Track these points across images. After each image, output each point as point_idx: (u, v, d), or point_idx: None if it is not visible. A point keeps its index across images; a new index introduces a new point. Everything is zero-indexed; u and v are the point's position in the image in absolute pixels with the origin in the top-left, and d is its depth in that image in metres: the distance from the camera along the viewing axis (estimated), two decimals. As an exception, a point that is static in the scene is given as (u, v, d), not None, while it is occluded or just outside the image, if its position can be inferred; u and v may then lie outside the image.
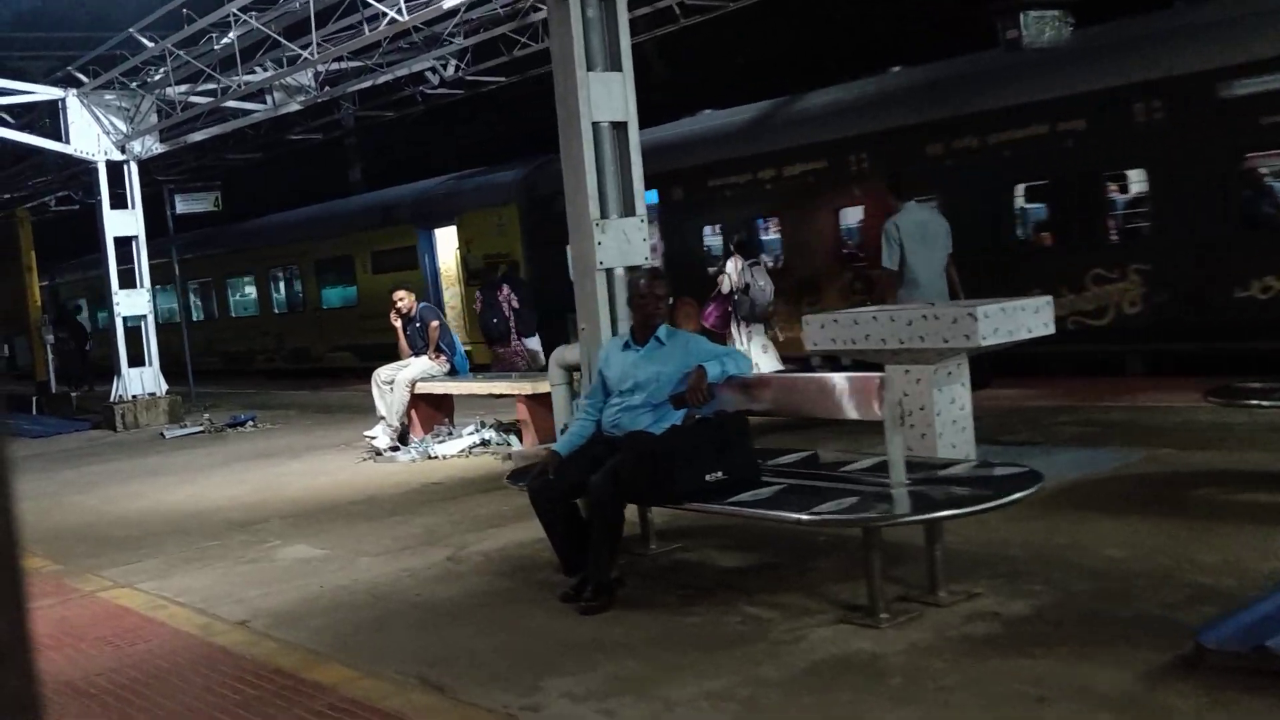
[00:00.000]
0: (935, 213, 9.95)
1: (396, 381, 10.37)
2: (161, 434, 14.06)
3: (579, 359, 8.51)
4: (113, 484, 10.53)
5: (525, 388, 9.35)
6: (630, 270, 8.00)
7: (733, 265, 12.22)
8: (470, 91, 19.05)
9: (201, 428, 14.06)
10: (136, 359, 15.44)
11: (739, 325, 12.36)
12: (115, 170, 15.30)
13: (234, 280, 24.93)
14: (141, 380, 15.37)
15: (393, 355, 10.91)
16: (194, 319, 24.41)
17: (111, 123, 15.14)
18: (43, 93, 14.76)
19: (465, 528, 6.97)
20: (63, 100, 14.85)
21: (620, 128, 8.29)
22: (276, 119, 20.51)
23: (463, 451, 9.71)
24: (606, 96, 8.16)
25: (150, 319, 15.50)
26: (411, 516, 7.51)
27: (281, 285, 23.22)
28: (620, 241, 8.19)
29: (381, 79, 15.98)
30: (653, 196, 13.11)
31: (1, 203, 27.39)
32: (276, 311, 23.06)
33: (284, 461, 10.78)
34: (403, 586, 5.77)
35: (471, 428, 10.28)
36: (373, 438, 10.49)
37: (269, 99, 15.89)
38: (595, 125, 8.13)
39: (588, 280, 8.15)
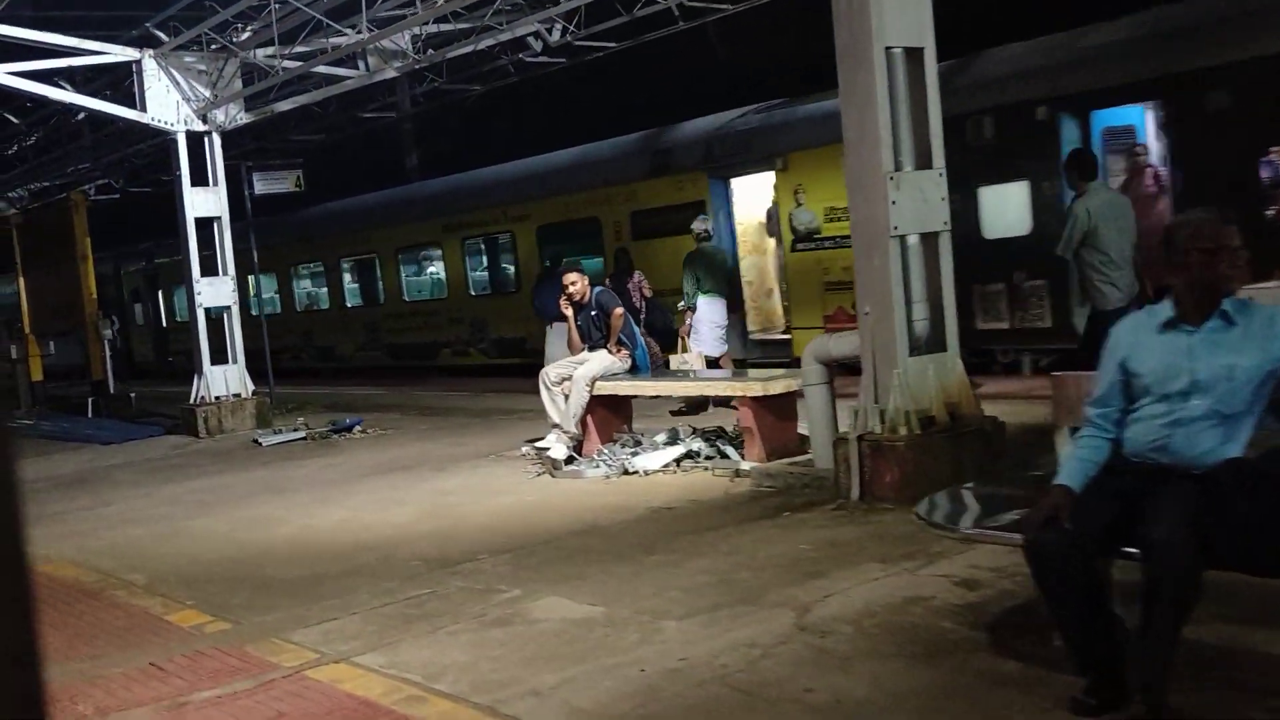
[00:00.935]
0: (1120, 194, 8.38)
1: (575, 379, 8.67)
2: (256, 441, 12.40)
3: (852, 351, 6.81)
4: (233, 504, 8.86)
5: (753, 388, 7.63)
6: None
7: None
8: (572, 60, 17.43)
9: (301, 434, 12.40)
10: (219, 356, 13.79)
11: None
12: (194, 143, 13.64)
13: (407, 255, 20.43)
14: (225, 380, 13.72)
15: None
16: (346, 305, 21.68)
17: (192, 88, 13.48)
18: (116, 53, 13.11)
19: (774, 576, 5.27)
20: (138, 62, 13.20)
21: (915, 56, 6.59)
22: (344, 96, 18.93)
23: (668, 466, 8.00)
24: (900, 16, 6.46)
25: (235, 310, 13.84)
26: (678, 556, 5.81)
27: (482, 259, 19.10)
28: (917, 201, 6.49)
29: (484, 43, 14.32)
30: (1133, 116, 10.46)
31: (51, 187, 26.06)
32: (474, 293, 18.88)
33: (430, 476, 9.10)
34: (769, 674, 4.06)
35: (664, 436, 8.57)
36: (544, 448, 8.81)
37: (362, 64, 14.25)
38: (887, 52, 6.44)
39: (875, 250, 6.46)
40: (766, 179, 13.55)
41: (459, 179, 19.96)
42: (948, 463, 6.32)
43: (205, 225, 13.68)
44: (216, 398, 13.61)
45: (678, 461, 8.00)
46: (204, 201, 13.57)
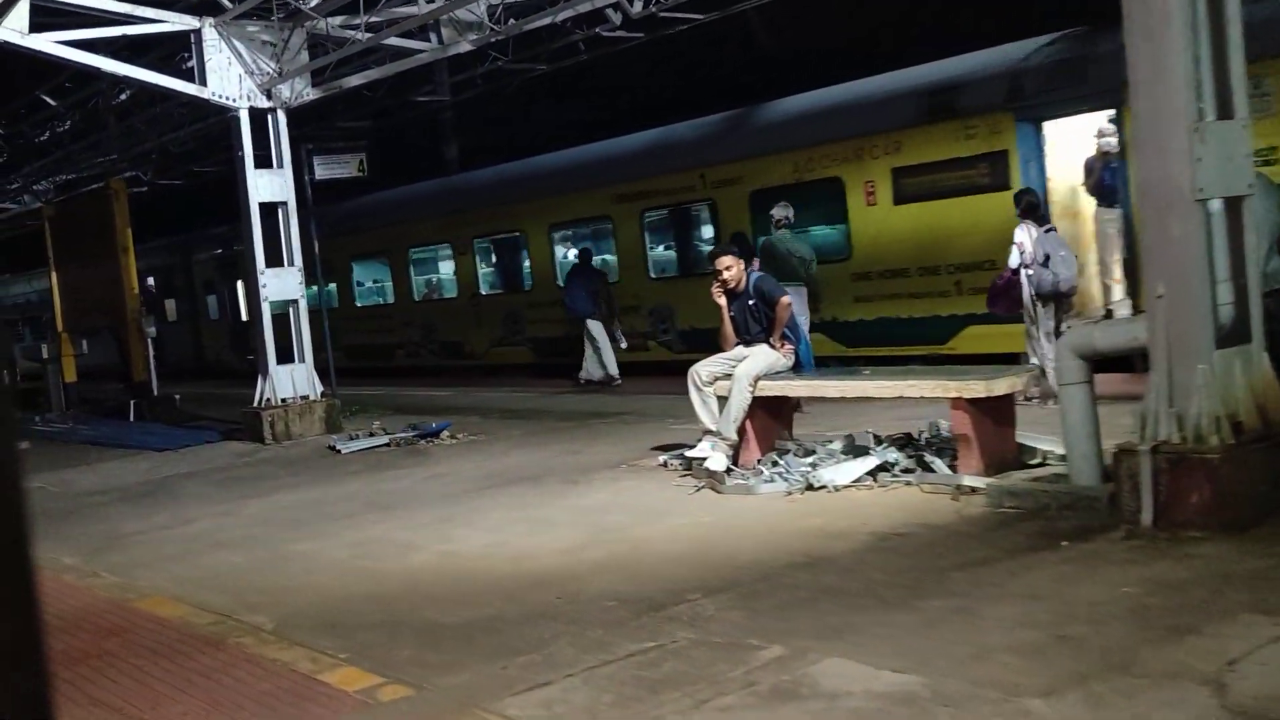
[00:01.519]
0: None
1: (736, 378, 7.52)
2: (333, 448, 11.27)
3: (1127, 342, 5.66)
4: (338, 523, 7.73)
5: (973, 388, 6.47)
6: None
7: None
8: (650, 35, 16.28)
9: (383, 439, 11.27)
10: (285, 354, 12.68)
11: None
12: (257, 121, 12.52)
13: (564, 233, 17.47)
14: (293, 380, 12.59)
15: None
16: (480, 292, 18.80)
17: (256, 60, 12.35)
18: (174, 22, 11.99)
19: (1123, 631, 4.11)
20: (198, 32, 12.07)
21: (1217, -18, 5.43)
22: (396, 77, 17.85)
23: (860, 480, 6.85)
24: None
25: (302, 304, 12.71)
26: (964, 600, 4.65)
27: (668, 234, 16.11)
28: (1222, 158, 5.33)
29: (562, 15, 13.19)
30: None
31: (77, 180, 24.98)
32: (654, 276, 15.96)
33: (564, 490, 7.96)
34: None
35: (838, 443, 7.42)
36: (698, 458, 7.67)
37: (434, 37, 13.13)
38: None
39: (1173, 217, 5.30)
40: (1094, 121, 10.84)
41: (637, 139, 16.57)
42: (1267, 480, 5.17)
43: (269, 211, 12.54)
44: (283, 400, 12.48)
45: (872, 474, 6.85)
46: (268, 185, 12.43)
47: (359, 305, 21.83)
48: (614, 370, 14.79)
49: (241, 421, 12.78)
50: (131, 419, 16.73)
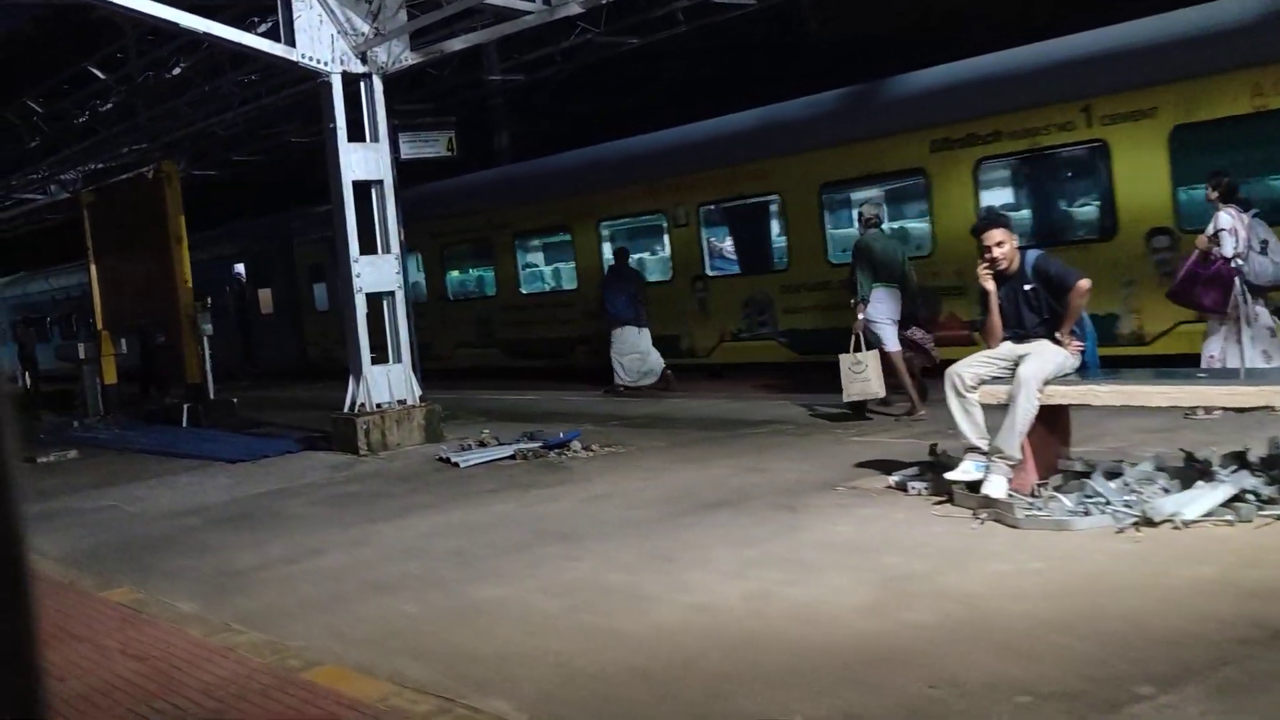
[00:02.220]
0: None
1: (1022, 380, 6.05)
2: (446, 460, 9.82)
3: None
4: (516, 558, 6.26)
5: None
6: None
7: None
8: (762, 4, 14.84)
9: (502, 451, 9.82)
10: (378, 353, 11.24)
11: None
12: (348, 88, 11.09)
13: (838, 195, 13.95)
14: (389, 383, 11.14)
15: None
16: (707, 274, 15.36)
17: (349, 20, 10.92)
18: (261, -27, 10.58)
19: None
20: (286, -14, 10.65)
21: None
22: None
23: (1212, 514, 5.38)
24: None
25: (400, 295, 11.26)
26: None
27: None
28: None
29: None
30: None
31: (109, 168, 23.55)
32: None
33: (793, 521, 6.47)
34: None
35: (1147, 464, 5.96)
36: (965, 481, 6.21)
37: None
38: None
39: None
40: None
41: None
42: None
43: (363, 191, 11.10)
44: (378, 405, 11.03)
45: (1233, 504, 5.38)
46: (362, 161, 10.99)
47: (525, 292, 18.28)
48: (627, 378, 14.32)
49: (330, 429, 11.32)
50: (184, 424, 15.30)
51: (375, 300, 11.19)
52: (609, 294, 14.53)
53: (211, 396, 15.39)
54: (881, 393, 9.97)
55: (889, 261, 10.41)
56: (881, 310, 10.29)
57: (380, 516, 7.91)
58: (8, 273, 38.72)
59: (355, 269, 10.90)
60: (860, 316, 10.20)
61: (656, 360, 14.23)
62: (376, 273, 11.05)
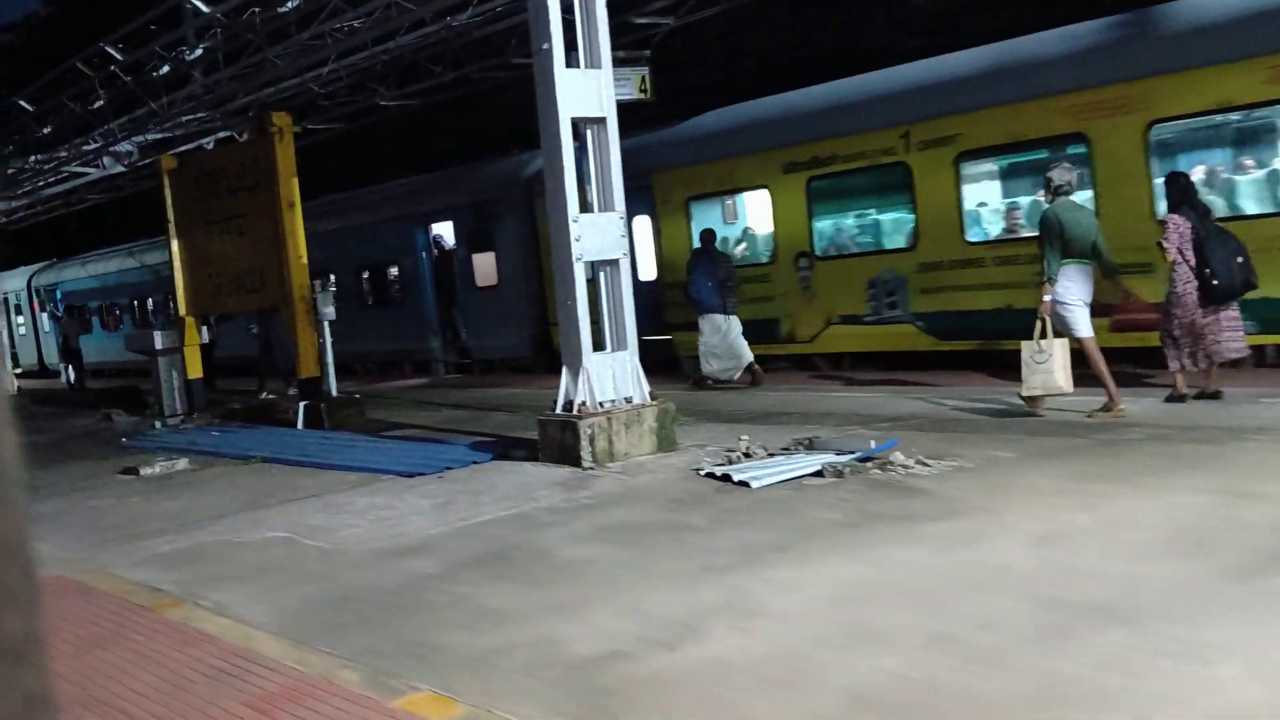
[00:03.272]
0: None
1: None
2: (723, 478, 7.52)
3: None
4: (1047, 656, 3.98)
5: None
6: None
7: None
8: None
9: (793, 466, 7.52)
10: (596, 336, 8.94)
11: None
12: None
13: None
14: (614, 376, 8.86)
15: None
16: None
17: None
18: None
19: None
20: None
21: None
22: None
23: None
24: None
25: (624, 265, 8.98)
26: None
27: None
28: None
29: None
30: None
31: (170, 139, 21.26)
32: None
33: None
34: None
35: None
36: None
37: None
38: None
39: None
40: None
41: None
42: None
43: (577, 131, 8.82)
44: (601, 404, 8.74)
45: None
46: (582, 92, 8.69)
47: (973, 241, 12.74)
48: (717, 370, 13.52)
49: (515, 434, 9.03)
50: (300, 425, 13.06)
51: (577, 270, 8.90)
52: (694, 279, 13.61)
53: (334, 392, 13.12)
54: (1067, 388, 8.89)
55: (1081, 234, 9.17)
56: (1072, 290, 9.11)
57: (721, 564, 5.62)
58: (43, 258, 36.23)
59: (573, 231, 8.61)
60: (1046, 298, 9.08)
61: (745, 352, 13.46)
62: (599, 236, 8.77)
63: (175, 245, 15.85)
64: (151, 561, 7.16)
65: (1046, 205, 9.42)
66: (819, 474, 7.35)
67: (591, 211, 8.84)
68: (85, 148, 22.51)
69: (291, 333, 13.26)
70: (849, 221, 14.22)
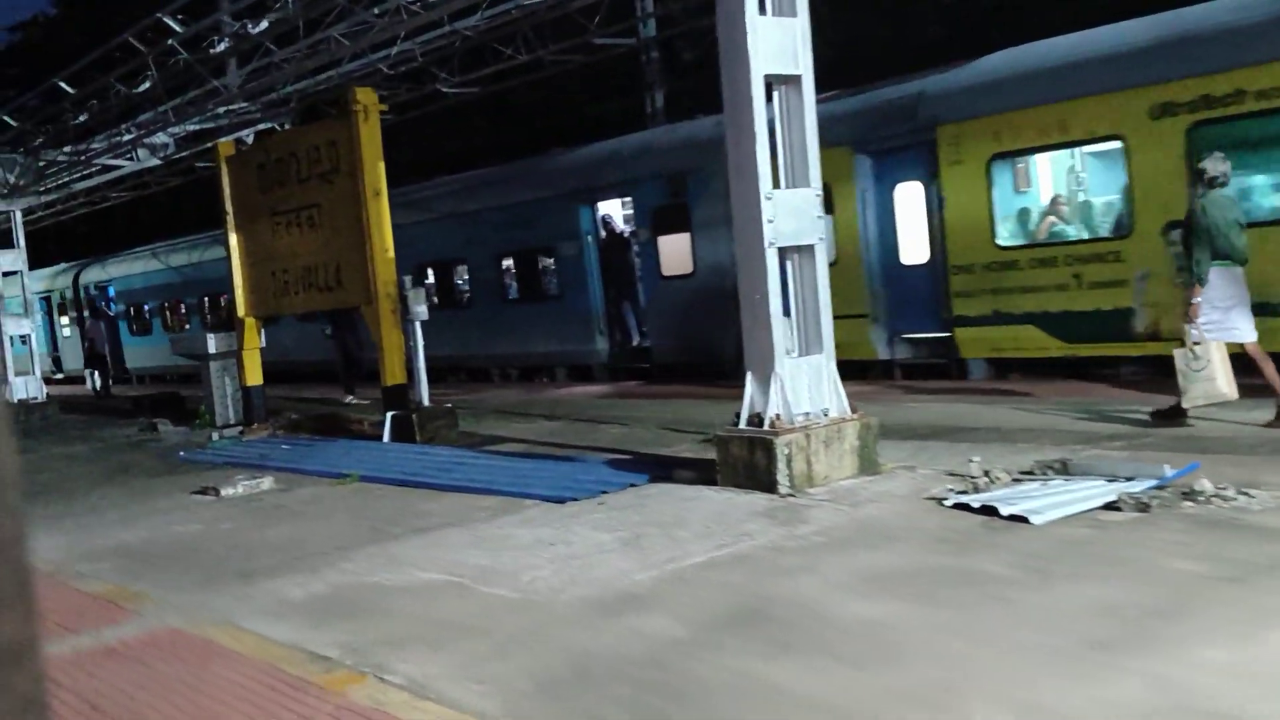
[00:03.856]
0: None
1: None
2: (1011, 516, 6.14)
3: None
4: None
5: None
6: None
7: None
8: None
9: (1092, 497, 6.15)
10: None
11: None
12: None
13: None
14: (807, 383, 7.49)
15: None
16: None
17: None
18: None
19: None
20: None
21: None
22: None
23: None
24: None
25: (821, 250, 7.62)
26: None
27: None
28: None
29: None
30: None
31: (202, 132, 19.95)
32: None
33: None
34: None
35: None
36: None
37: None
38: None
39: None
40: None
41: None
42: None
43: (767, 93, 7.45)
44: (799, 417, 7.36)
45: None
46: (777, 45, 7.34)
47: None
48: None
49: (720, 453, 7.64)
50: (386, 438, 11.70)
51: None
52: None
53: (425, 401, 11.75)
54: (1232, 394, 8.35)
55: (1233, 231, 8.48)
56: (1223, 294, 8.51)
57: (1102, 636, 4.24)
58: (72, 257, 34.33)
59: (766, 211, 7.25)
60: (1194, 301, 8.45)
61: None
62: (794, 218, 7.40)
63: (233, 240, 14.49)
64: (289, 612, 5.80)
65: (1198, 198, 8.58)
66: (1114, 506, 5.97)
67: (780, 189, 7.46)
68: (119, 139, 21.22)
69: (376, 334, 11.89)
70: (1258, 180, 10.77)
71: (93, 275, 32.00)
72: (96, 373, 26.54)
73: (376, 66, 16.30)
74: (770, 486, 7.15)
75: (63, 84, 17.93)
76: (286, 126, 22.38)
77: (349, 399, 15.97)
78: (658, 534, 6.57)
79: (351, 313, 15.58)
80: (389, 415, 11.67)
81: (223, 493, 9.64)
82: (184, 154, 22.06)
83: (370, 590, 6.07)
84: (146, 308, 29.58)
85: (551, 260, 17.56)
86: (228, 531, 8.21)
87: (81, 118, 19.10)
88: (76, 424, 18.90)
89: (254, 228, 14.13)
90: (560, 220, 16.78)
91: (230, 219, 14.48)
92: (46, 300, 32.63)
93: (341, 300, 12.83)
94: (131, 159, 21.99)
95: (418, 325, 11.63)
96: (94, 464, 13.22)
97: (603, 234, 16.48)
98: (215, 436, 14.04)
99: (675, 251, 15.20)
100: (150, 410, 18.08)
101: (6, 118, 19.92)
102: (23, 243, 21.19)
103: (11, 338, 20.91)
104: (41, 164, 21.06)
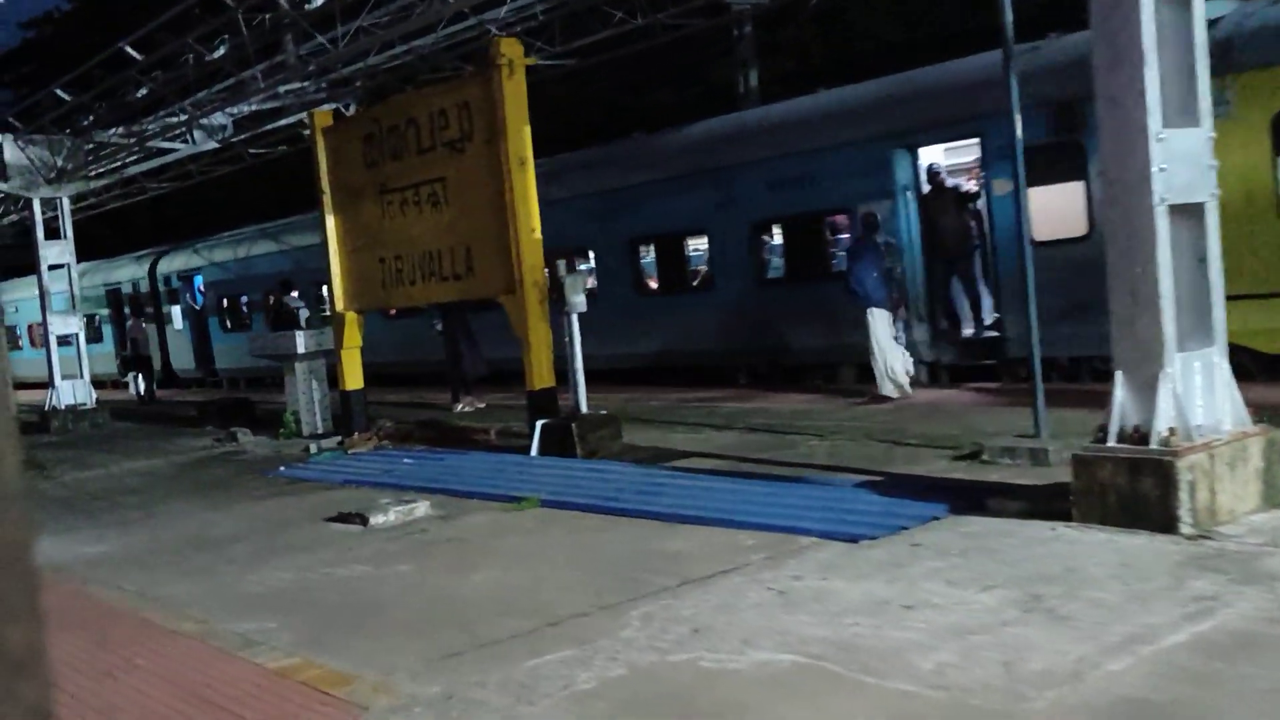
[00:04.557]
0: None
1: None
2: None
3: None
4: None
5: None
6: None
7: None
8: None
9: None
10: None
11: None
12: None
13: None
14: (1199, 386, 5.73)
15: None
16: None
17: None
18: None
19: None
20: None
21: None
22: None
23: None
24: None
25: (1212, 208, 5.85)
26: None
27: None
28: None
29: None
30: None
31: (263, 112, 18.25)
32: None
33: None
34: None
35: None
36: None
37: None
38: None
39: None
40: None
41: None
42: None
43: None
44: (1195, 433, 5.60)
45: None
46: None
47: None
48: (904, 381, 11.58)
49: (1080, 477, 5.87)
50: (535, 452, 9.98)
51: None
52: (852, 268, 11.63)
53: (584, 408, 10.02)
54: None
55: None
56: None
57: None
58: (112, 253, 31.73)
59: (1156, 156, 5.50)
60: None
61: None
62: (1186, 166, 5.65)
63: (330, 223, 12.80)
64: (595, 715, 4.07)
65: None
66: None
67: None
68: (173, 120, 19.54)
69: (520, 328, 10.17)
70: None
71: (175, 263, 27.32)
72: (140, 376, 24.90)
73: (485, 26, 14.56)
74: (1167, 525, 5.40)
75: (129, 49, 16.23)
76: (353, 108, 20.79)
77: (459, 406, 14.23)
78: (1061, 595, 4.82)
79: (464, 307, 13.91)
80: (539, 424, 9.94)
81: (372, 521, 7.93)
82: (243, 136, 20.40)
83: (696, 679, 4.34)
84: (244, 300, 24.74)
85: (844, 223, 13.79)
86: (411, 576, 6.49)
87: (141, 92, 17.41)
88: (136, 433, 17.25)
89: (357, 208, 12.43)
90: (859, 173, 12.90)
91: (326, 199, 12.79)
92: (113, 294, 29.15)
93: (472, 290, 11.12)
94: (187, 141, 20.36)
95: (574, 318, 9.90)
96: (180, 481, 11.55)
97: (925, 188, 12.59)
98: (313, 448, 12.35)
99: (1057, 207, 11.21)
100: (219, 418, 16.42)
101: (59, 91, 18.22)
102: (70, 233, 19.51)
103: (59, 337, 19.25)
104: (90, 146, 19.40)
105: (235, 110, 19.65)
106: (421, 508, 8.18)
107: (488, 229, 10.54)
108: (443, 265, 11.21)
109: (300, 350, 13.53)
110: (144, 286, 27.91)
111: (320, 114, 12.99)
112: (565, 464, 9.40)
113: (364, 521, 7.97)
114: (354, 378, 12.85)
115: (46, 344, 19.25)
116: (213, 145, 20.35)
